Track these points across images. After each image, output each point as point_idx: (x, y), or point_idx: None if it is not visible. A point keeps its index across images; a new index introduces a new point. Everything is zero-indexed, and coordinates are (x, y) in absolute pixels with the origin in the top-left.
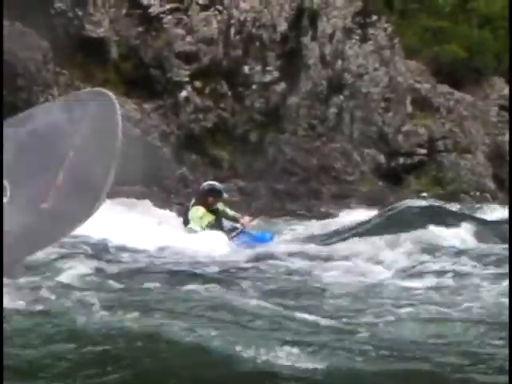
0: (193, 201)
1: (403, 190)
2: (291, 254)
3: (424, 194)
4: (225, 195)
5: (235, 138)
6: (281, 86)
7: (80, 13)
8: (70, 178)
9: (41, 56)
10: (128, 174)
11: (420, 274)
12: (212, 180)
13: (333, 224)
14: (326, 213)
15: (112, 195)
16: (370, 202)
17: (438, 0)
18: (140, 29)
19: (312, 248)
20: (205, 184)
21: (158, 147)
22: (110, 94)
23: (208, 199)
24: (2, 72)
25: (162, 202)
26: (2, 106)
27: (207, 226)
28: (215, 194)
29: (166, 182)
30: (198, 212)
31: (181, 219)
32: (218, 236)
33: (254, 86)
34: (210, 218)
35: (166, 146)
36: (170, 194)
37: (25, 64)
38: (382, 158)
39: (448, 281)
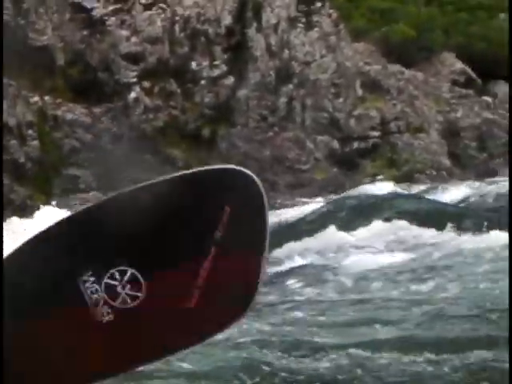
0: None
1: (359, 174)
2: None
3: (379, 177)
4: None
5: (187, 135)
6: (229, 80)
7: (22, 22)
8: (216, 269)
9: None
10: (83, 180)
11: None
12: None
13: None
14: (282, 204)
15: (67, 205)
16: (326, 190)
17: None
18: (85, 32)
19: None
20: None
21: (110, 151)
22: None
23: None
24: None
25: None
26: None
27: None
28: None
29: (122, 186)
30: None
31: None
32: None
33: (202, 82)
34: None
35: (118, 148)
36: None
37: None
38: (335, 144)
39: None
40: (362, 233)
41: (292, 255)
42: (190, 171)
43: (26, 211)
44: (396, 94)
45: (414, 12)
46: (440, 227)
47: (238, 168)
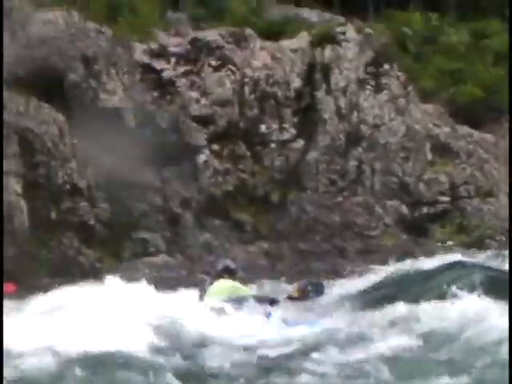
0: (208, 281)
1: (428, 240)
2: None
3: (449, 243)
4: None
5: (257, 199)
6: (299, 143)
7: (94, 83)
8: None
9: (57, 130)
10: (153, 244)
11: None
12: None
13: (358, 285)
14: (352, 271)
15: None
16: (395, 257)
17: (451, 40)
18: (155, 94)
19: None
20: (221, 262)
21: (179, 214)
22: None
23: (228, 278)
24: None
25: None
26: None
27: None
28: (234, 272)
29: (190, 250)
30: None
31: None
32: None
33: (272, 145)
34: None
35: (187, 212)
36: (194, 263)
37: (42, 139)
38: (404, 209)
39: None
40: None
41: None
42: None
43: (94, 274)
44: (465, 157)
45: (482, 72)
46: None
47: None
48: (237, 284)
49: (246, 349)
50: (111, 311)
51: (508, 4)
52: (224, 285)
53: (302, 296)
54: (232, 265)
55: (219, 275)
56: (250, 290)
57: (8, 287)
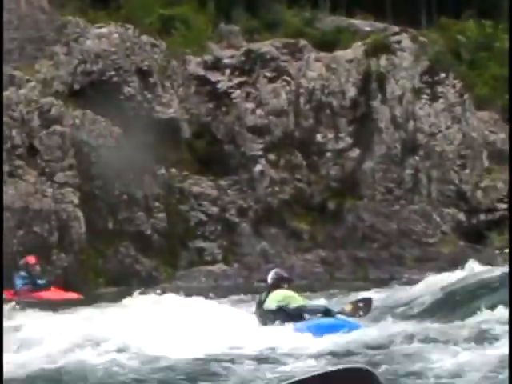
0: (265, 292)
1: (486, 248)
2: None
3: (507, 250)
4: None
5: (313, 207)
6: (355, 152)
7: (149, 95)
8: None
9: (113, 141)
10: (209, 253)
11: None
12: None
13: (416, 292)
14: (409, 279)
15: (192, 277)
16: (452, 264)
17: (506, 46)
18: (210, 105)
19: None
20: (274, 272)
21: (236, 223)
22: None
23: (281, 287)
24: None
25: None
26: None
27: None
28: (287, 281)
29: (247, 259)
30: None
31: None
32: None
33: (328, 154)
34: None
35: (244, 221)
36: (251, 271)
37: (98, 151)
38: (462, 217)
39: None
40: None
41: None
42: (320, 372)
43: (151, 282)
44: None
45: None
46: None
47: (365, 368)
48: (289, 293)
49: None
50: (167, 322)
51: None
52: (277, 294)
53: (354, 313)
54: (284, 273)
55: (275, 285)
56: (305, 299)
57: (71, 294)
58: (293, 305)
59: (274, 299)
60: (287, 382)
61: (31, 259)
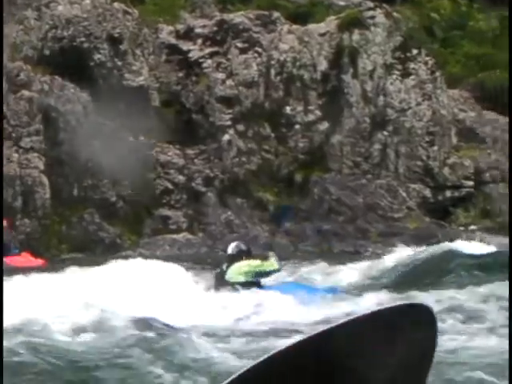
0: (225, 265)
1: (451, 224)
2: None
3: (472, 227)
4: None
5: (280, 179)
6: (324, 125)
7: (119, 63)
8: None
9: (81, 108)
10: (174, 221)
11: None
12: (238, 241)
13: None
14: (374, 253)
15: (156, 245)
16: (417, 240)
17: (480, 25)
18: (180, 74)
19: None
20: (235, 245)
21: (202, 192)
22: (431, 310)
23: (242, 258)
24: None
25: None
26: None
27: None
28: (246, 253)
29: (212, 228)
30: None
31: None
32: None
33: (296, 127)
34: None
35: (210, 190)
36: (215, 240)
37: (65, 118)
38: (428, 193)
39: None
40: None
41: None
42: (381, 309)
43: (114, 250)
44: (491, 142)
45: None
46: None
47: (425, 305)
48: (254, 262)
49: None
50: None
51: None
52: (241, 265)
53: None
54: (243, 246)
55: (234, 259)
56: (272, 264)
57: (38, 261)
58: (259, 270)
59: (239, 270)
60: (336, 324)
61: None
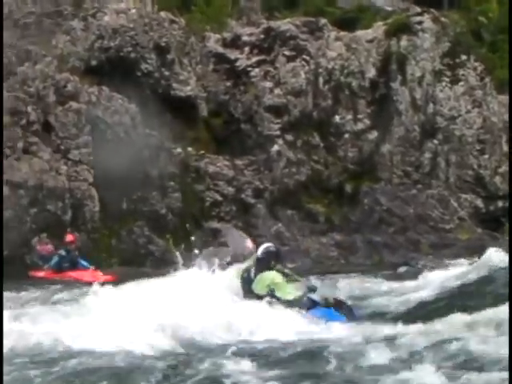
0: (253, 269)
1: (504, 235)
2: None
3: None
4: None
5: (330, 190)
6: (373, 134)
7: (167, 73)
8: None
9: (129, 119)
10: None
11: None
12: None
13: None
14: (425, 265)
15: (205, 258)
16: (469, 251)
17: None
18: (228, 83)
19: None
20: (265, 247)
21: (251, 204)
22: None
23: (271, 263)
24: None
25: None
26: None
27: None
28: (277, 256)
29: (262, 240)
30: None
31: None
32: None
33: (346, 136)
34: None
35: (259, 202)
36: None
37: (114, 129)
38: (480, 203)
39: None
40: None
41: None
42: None
43: (164, 263)
44: None
45: None
46: None
47: None
48: (277, 279)
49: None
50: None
51: None
52: (266, 278)
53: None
54: (272, 248)
55: (266, 262)
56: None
57: (107, 277)
58: (278, 295)
59: (263, 283)
60: None
61: (69, 237)
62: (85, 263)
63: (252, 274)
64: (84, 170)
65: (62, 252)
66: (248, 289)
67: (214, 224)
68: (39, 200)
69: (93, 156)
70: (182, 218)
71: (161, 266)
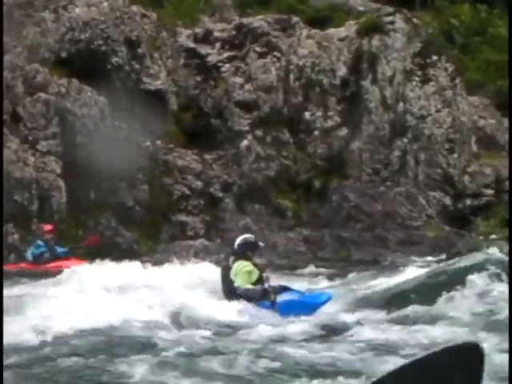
0: (231, 258)
1: (471, 233)
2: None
3: (493, 236)
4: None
5: (299, 185)
6: (343, 131)
7: (137, 66)
8: None
9: (98, 111)
10: (191, 227)
11: None
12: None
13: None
14: (393, 262)
15: (173, 251)
16: (436, 249)
17: (500, 32)
18: (198, 78)
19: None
20: (242, 238)
21: (219, 198)
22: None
23: (248, 254)
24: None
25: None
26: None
27: (256, 282)
28: (254, 247)
29: (230, 234)
30: (246, 267)
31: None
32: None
33: (315, 132)
34: (257, 273)
35: (228, 196)
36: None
37: (82, 121)
38: (448, 201)
39: None
40: None
41: None
42: (424, 355)
43: (131, 255)
44: None
45: None
46: None
47: (475, 343)
48: (244, 267)
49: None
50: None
51: None
52: (237, 266)
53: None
54: (251, 239)
55: (241, 252)
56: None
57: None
58: (236, 284)
59: (235, 272)
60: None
61: (48, 227)
62: (63, 250)
63: (230, 262)
64: (52, 161)
65: (39, 242)
66: (226, 276)
67: (182, 217)
68: (6, 190)
69: (61, 147)
70: (149, 211)
71: (127, 258)
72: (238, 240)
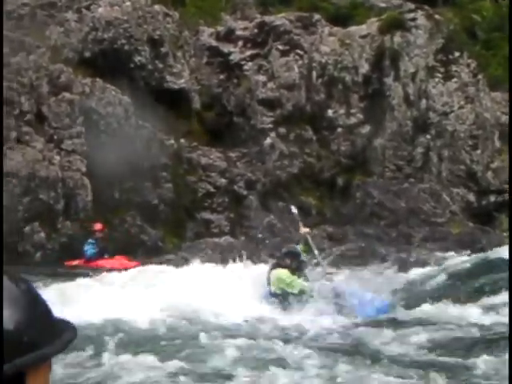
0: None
1: (495, 229)
2: None
3: None
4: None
5: (322, 183)
6: (366, 129)
7: (160, 65)
8: None
9: (122, 110)
10: (216, 225)
11: None
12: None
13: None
14: (417, 259)
15: (198, 249)
16: (461, 245)
17: None
18: (221, 77)
19: None
20: (287, 247)
21: (244, 196)
22: None
23: (285, 264)
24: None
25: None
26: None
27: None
28: (295, 257)
29: (254, 232)
30: (287, 277)
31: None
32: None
33: (338, 130)
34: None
35: (252, 194)
36: (258, 244)
37: (107, 120)
38: (471, 197)
39: None
40: None
41: None
42: None
43: (156, 253)
44: None
45: None
46: None
47: None
48: (284, 276)
49: None
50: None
51: None
52: (275, 277)
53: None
54: (291, 249)
55: (277, 263)
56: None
57: (133, 263)
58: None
59: (274, 282)
60: None
61: (98, 226)
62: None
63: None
64: (77, 160)
65: (90, 240)
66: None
67: (207, 215)
68: (32, 189)
69: (86, 146)
70: (174, 209)
71: (152, 255)
72: (284, 248)
